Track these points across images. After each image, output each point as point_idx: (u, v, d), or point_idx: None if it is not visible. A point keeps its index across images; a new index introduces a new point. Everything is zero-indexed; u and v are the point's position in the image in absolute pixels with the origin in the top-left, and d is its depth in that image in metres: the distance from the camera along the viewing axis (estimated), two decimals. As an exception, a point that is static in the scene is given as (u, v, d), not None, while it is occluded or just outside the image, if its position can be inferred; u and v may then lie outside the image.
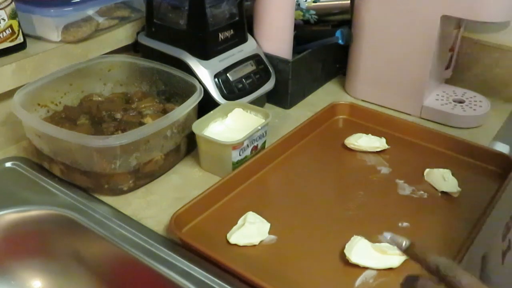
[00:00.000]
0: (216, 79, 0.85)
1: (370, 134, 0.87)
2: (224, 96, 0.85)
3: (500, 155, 0.82)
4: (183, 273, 0.62)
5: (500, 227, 0.62)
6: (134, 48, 0.96)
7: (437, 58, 0.92)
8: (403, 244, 0.47)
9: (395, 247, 0.64)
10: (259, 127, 0.79)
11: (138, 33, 0.94)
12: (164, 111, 0.83)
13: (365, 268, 0.63)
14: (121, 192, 0.75)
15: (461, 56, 1.03)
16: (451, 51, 1.00)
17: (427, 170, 0.80)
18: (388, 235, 0.48)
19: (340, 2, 1.04)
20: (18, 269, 0.74)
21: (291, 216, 0.72)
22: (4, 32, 0.78)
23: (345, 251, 0.64)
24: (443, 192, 0.76)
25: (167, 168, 0.80)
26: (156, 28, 0.89)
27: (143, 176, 0.76)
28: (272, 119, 0.82)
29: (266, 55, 0.94)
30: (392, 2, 0.90)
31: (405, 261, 0.63)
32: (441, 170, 0.79)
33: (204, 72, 0.85)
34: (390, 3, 0.91)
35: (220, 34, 0.87)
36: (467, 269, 0.43)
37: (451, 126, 0.93)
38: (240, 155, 0.77)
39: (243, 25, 0.92)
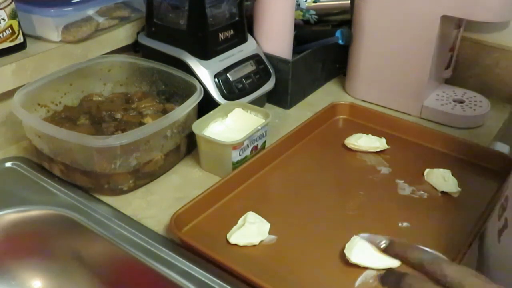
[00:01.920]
0: (216, 79, 0.85)
1: (370, 134, 0.87)
2: (224, 96, 0.85)
3: (500, 155, 0.82)
4: (183, 273, 0.62)
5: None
6: (134, 48, 0.96)
7: (437, 58, 0.92)
8: (382, 243, 0.44)
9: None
10: (259, 127, 0.79)
11: (138, 33, 0.94)
12: (164, 111, 0.83)
13: (365, 268, 0.63)
14: (121, 192, 0.75)
15: (461, 56, 1.03)
16: (451, 51, 1.00)
17: (427, 170, 0.80)
18: (365, 235, 0.45)
19: (340, 2, 1.04)
20: (18, 269, 0.74)
21: (291, 216, 0.72)
22: (4, 32, 0.78)
23: (345, 251, 0.64)
24: (443, 192, 0.76)
25: (167, 168, 0.80)
26: (156, 28, 0.89)
27: (143, 176, 0.76)
28: (272, 119, 0.82)
29: (266, 55, 0.94)
30: (392, 2, 0.90)
31: (405, 261, 0.63)
32: (441, 170, 0.79)
33: (204, 72, 0.85)
34: (390, 3, 0.91)
35: (220, 34, 0.87)
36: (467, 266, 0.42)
37: (451, 126, 0.93)
38: (240, 155, 0.77)
39: (243, 25, 0.92)
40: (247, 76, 0.89)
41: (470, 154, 0.83)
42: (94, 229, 0.68)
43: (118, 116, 0.81)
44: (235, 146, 0.76)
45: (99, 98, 0.87)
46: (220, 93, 0.85)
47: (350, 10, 1.02)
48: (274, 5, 0.92)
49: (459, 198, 0.75)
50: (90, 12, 0.87)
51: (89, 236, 0.69)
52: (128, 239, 0.67)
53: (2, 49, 0.79)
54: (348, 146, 0.86)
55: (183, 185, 0.78)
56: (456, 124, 0.93)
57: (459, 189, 0.76)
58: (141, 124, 0.78)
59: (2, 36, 0.78)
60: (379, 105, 0.99)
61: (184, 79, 0.83)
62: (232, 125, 0.82)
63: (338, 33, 0.98)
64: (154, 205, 0.73)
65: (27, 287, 0.75)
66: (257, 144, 0.81)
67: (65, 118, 0.81)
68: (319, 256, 0.65)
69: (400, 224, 0.70)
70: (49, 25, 0.83)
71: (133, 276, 0.67)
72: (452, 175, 0.78)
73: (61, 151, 0.73)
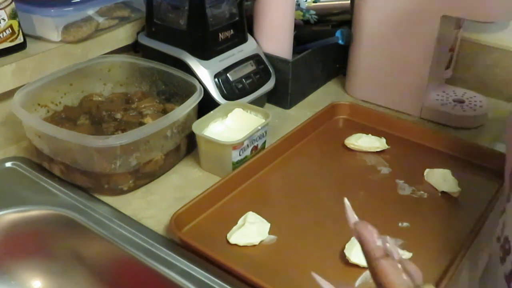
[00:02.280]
0: (216, 79, 0.85)
1: (370, 134, 0.87)
2: (224, 96, 0.85)
3: (500, 155, 0.82)
4: (183, 273, 0.62)
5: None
6: (134, 48, 0.96)
7: (437, 58, 0.92)
8: None
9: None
10: (259, 127, 0.79)
11: (138, 33, 0.94)
12: (164, 111, 0.83)
13: (365, 268, 0.63)
14: (121, 192, 0.75)
15: (461, 56, 1.03)
16: (451, 51, 1.00)
17: (427, 170, 0.80)
18: None
19: (340, 2, 1.04)
20: (18, 269, 0.74)
21: (291, 216, 0.72)
22: (4, 32, 0.78)
23: (345, 251, 0.64)
24: (443, 192, 0.76)
25: (167, 168, 0.80)
26: (156, 28, 0.89)
27: (143, 176, 0.76)
28: (272, 119, 0.82)
29: (266, 55, 0.94)
30: (392, 3, 0.90)
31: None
32: (441, 170, 0.79)
33: (204, 72, 0.85)
34: (390, 3, 0.91)
35: (220, 34, 0.87)
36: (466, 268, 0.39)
37: (451, 126, 0.93)
38: (240, 155, 0.77)
39: (243, 25, 0.92)
40: (247, 76, 0.89)
41: (470, 154, 0.83)
42: (94, 229, 0.68)
43: (118, 116, 0.81)
44: (235, 146, 0.75)
45: (99, 98, 0.87)
46: (220, 93, 0.85)
47: (350, 10, 1.02)
48: (274, 5, 0.92)
49: (459, 198, 0.75)
50: (90, 12, 0.87)
51: (89, 236, 0.69)
52: (128, 239, 0.67)
53: (2, 49, 0.79)
54: (348, 146, 0.86)
55: (183, 185, 0.78)
56: (456, 124, 0.93)
57: (459, 189, 0.76)
58: (141, 124, 0.78)
59: (2, 36, 0.78)
60: (379, 105, 0.99)
61: (184, 79, 0.83)
62: (232, 125, 0.82)
63: (338, 33, 0.98)
64: (154, 205, 0.73)
65: (27, 287, 0.75)
66: (257, 144, 0.81)
67: (65, 118, 0.81)
68: (319, 256, 0.65)
69: (400, 224, 0.70)
70: (49, 25, 0.83)
71: (133, 276, 0.67)
72: (452, 175, 0.78)
73: (61, 151, 0.73)
